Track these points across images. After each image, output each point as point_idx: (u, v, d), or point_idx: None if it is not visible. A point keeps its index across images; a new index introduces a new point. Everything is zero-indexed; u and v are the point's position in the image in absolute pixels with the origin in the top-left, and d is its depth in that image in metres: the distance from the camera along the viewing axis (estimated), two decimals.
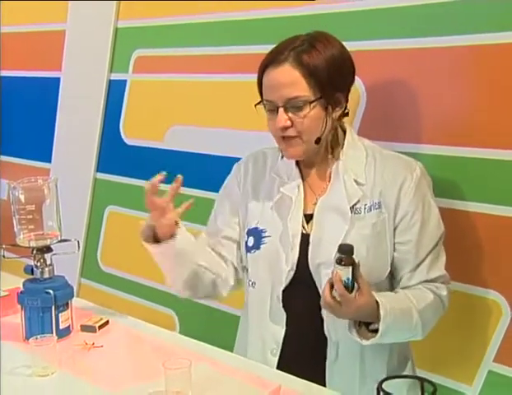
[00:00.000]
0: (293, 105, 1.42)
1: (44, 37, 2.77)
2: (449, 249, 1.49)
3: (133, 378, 1.39)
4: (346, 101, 1.48)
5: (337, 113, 1.47)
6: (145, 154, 2.41)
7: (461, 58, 1.57)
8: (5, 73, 3.01)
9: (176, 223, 1.53)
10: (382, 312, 1.35)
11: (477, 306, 1.59)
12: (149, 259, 2.46)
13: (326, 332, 1.45)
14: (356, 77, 1.71)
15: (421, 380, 1.09)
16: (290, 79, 1.41)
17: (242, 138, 2.02)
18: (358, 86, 1.74)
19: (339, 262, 1.31)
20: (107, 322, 1.61)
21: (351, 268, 1.31)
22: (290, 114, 1.42)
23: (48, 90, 2.76)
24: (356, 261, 1.32)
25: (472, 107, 1.57)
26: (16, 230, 1.55)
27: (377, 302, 1.36)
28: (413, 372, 1.56)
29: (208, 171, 2.17)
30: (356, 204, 1.45)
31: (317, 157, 1.50)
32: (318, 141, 1.46)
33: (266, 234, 1.51)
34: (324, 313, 1.44)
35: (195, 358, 1.28)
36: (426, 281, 1.46)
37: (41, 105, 2.83)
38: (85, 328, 1.58)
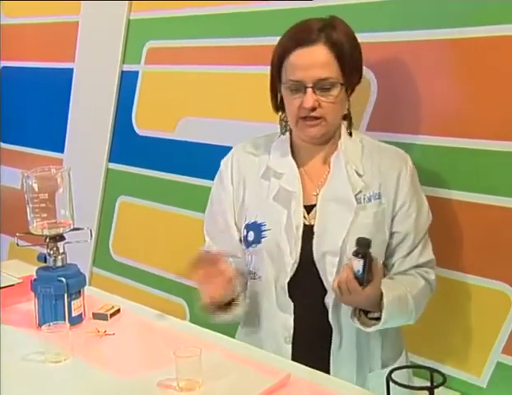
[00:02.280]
0: (322, 86, 1.43)
1: (58, 28, 2.78)
2: (456, 241, 1.50)
3: (144, 366, 1.40)
4: (357, 85, 1.51)
5: (351, 97, 1.50)
6: (156, 144, 2.43)
7: (471, 50, 1.56)
8: (19, 64, 3.04)
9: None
10: (385, 301, 1.38)
11: (486, 297, 1.59)
12: (160, 249, 2.49)
13: (330, 321, 1.46)
14: (367, 68, 1.72)
15: (431, 370, 1.09)
16: (323, 59, 1.43)
17: (253, 129, 2.02)
18: (369, 78, 1.74)
19: (355, 254, 1.34)
20: (118, 311, 1.63)
21: (362, 261, 1.33)
22: (317, 95, 1.43)
23: (62, 81, 2.77)
24: (373, 255, 1.35)
25: (485, 99, 1.56)
26: (29, 218, 1.57)
27: (381, 292, 1.39)
28: (407, 361, 1.57)
29: (219, 162, 2.18)
30: (357, 194, 1.46)
31: (327, 141, 1.51)
32: (345, 117, 1.50)
33: (265, 228, 1.51)
34: (328, 301, 1.45)
35: (205, 346, 1.29)
36: (417, 266, 1.51)
37: (54, 96, 2.85)
38: (97, 316, 1.59)
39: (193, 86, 2.28)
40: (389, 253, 1.51)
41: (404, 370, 1.26)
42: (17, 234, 1.61)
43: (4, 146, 3.20)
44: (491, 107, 1.55)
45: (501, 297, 1.56)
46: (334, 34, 1.44)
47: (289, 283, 1.48)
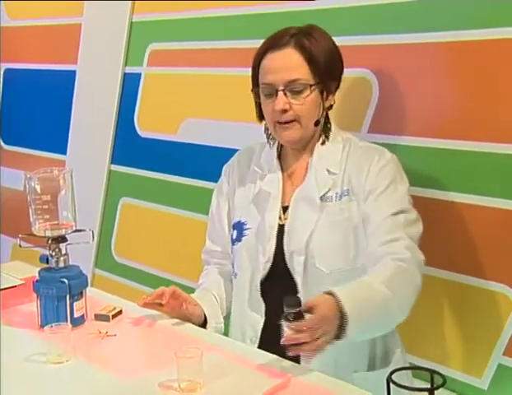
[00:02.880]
0: (293, 88, 1.46)
1: (61, 30, 2.79)
2: (457, 243, 1.49)
3: (146, 367, 1.41)
4: (335, 91, 1.53)
5: (329, 102, 1.52)
6: (159, 146, 2.43)
7: (472, 53, 1.56)
8: (22, 66, 3.05)
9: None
10: (341, 299, 1.24)
11: (487, 300, 1.59)
12: (161, 250, 2.49)
13: None
14: (369, 71, 1.73)
15: (431, 372, 1.09)
16: (292, 62, 1.46)
17: (255, 131, 2.02)
18: (371, 80, 1.74)
19: (286, 318, 1.21)
20: (120, 312, 1.63)
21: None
22: (289, 97, 1.46)
23: (64, 83, 2.78)
24: (302, 308, 1.22)
25: (486, 101, 1.56)
26: (31, 219, 1.57)
27: (338, 303, 1.25)
28: (404, 363, 1.53)
29: (222, 164, 2.18)
30: (327, 193, 1.48)
31: (306, 146, 1.53)
32: (317, 123, 1.50)
33: (246, 227, 1.56)
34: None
35: (207, 347, 1.29)
36: (386, 244, 1.40)
37: (57, 98, 2.86)
38: (99, 317, 1.60)
39: (195, 88, 2.29)
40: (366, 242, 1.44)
41: (403, 372, 1.25)
42: (20, 236, 1.61)
43: (7, 147, 3.21)
44: (492, 109, 1.55)
45: (502, 299, 1.56)
46: (305, 39, 1.47)
47: (264, 283, 1.50)
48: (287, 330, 1.21)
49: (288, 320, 1.21)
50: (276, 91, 1.46)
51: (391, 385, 1.07)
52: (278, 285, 1.49)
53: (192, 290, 1.68)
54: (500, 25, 1.49)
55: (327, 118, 1.55)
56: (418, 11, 1.65)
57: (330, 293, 1.25)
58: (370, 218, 1.44)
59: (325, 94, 1.50)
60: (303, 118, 1.48)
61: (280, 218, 1.52)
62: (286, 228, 1.50)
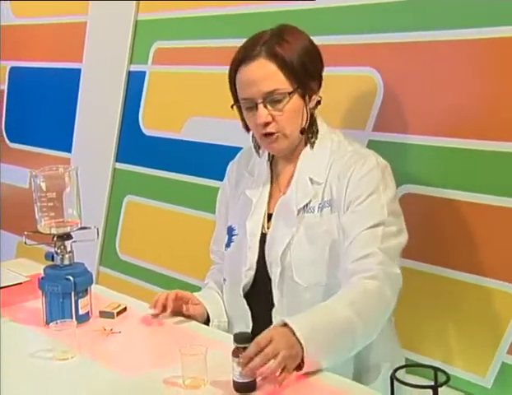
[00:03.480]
0: (272, 99, 1.41)
1: (66, 29, 2.80)
2: (460, 241, 1.49)
3: (150, 364, 1.41)
4: (319, 89, 1.48)
5: (313, 102, 1.47)
6: (163, 144, 2.44)
7: (476, 51, 1.57)
8: (27, 64, 3.05)
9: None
10: (294, 327, 1.21)
11: (491, 298, 1.59)
12: (166, 248, 2.50)
13: None
14: (373, 70, 1.73)
15: (435, 369, 1.09)
16: (266, 73, 1.41)
17: None
18: (375, 78, 1.74)
19: (237, 355, 1.20)
20: (125, 309, 1.64)
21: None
22: (270, 109, 1.42)
23: (69, 81, 2.79)
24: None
25: (492, 100, 1.56)
26: (37, 217, 1.58)
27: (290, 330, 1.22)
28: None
29: (225, 162, 2.18)
30: (308, 203, 1.44)
31: (294, 152, 1.49)
32: (303, 131, 1.46)
33: (235, 233, 1.56)
34: (273, 311, 1.44)
35: (211, 344, 1.29)
36: (357, 261, 1.35)
37: (62, 96, 2.86)
38: (103, 314, 1.60)
39: (200, 87, 2.29)
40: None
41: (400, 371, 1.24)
42: (25, 233, 1.62)
43: (12, 145, 3.22)
44: (497, 108, 1.55)
45: (506, 297, 1.56)
46: (276, 45, 1.42)
47: (250, 291, 1.50)
48: (237, 367, 1.18)
49: (238, 356, 1.20)
50: (256, 105, 1.42)
51: (395, 382, 1.08)
52: (261, 293, 1.48)
53: (195, 288, 1.69)
54: (508, 23, 1.48)
55: (313, 119, 1.49)
56: (423, 8, 1.65)
57: (284, 324, 1.23)
58: (346, 232, 1.39)
59: (307, 96, 1.45)
60: (286, 128, 1.44)
61: (264, 226, 1.50)
62: (267, 237, 1.48)
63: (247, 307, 1.51)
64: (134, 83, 2.51)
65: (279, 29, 1.46)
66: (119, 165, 2.62)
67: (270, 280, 1.47)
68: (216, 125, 2.23)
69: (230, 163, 1.68)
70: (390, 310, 1.39)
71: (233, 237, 1.56)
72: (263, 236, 1.49)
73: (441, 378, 1.07)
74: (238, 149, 1.74)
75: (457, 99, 1.62)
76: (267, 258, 1.48)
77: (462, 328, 1.66)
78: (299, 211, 1.45)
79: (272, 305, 1.46)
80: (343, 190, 1.42)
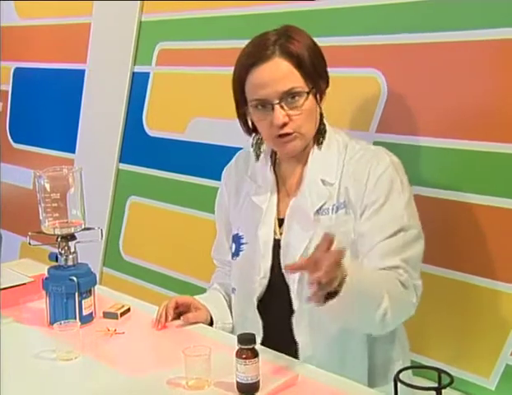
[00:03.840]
0: (289, 99, 1.38)
1: (70, 30, 2.81)
2: (465, 243, 1.48)
3: (154, 365, 1.41)
4: (326, 88, 1.46)
5: (323, 102, 1.46)
6: (167, 145, 2.44)
7: (480, 52, 1.56)
8: (31, 65, 3.06)
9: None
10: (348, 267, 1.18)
11: (495, 300, 1.59)
12: (169, 249, 2.50)
13: (296, 337, 1.42)
14: (377, 71, 1.72)
15: (438, 371, 1.09)
16: (282, 72, 1.38)
17: None
18: (379, 79, 1.74)
19: (240, 355, 1.21)
20: (128, 310, 1.64)
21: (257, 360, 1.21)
22: (286, 110, 1.39)
23: (74, 82, 2.79)
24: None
25: (496, 101, 1.56)
26: (41, 217, 1.58)
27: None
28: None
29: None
30: (323, 205, 1.41)
31: (301, 153, 1.46)
32: (318, 130, 1.44)
33: (243, 241, 1.51)
34: (293, 318, 1.42)
35: (215, 345, 1.29)
36: (383, 269, 1.35)
37: (66, 97, 2.87)
38: (107, 315, 1.61)
39: (204, 88, 2.29)
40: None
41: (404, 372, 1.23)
42: (29, 234, 1.62)
43: (16, 145, 3.22)
44: (502, 109, 1.54)
45: (510, 299, 1.56)
46: (289, 44, 1.39)
47: (262, 299, 1.47)
48: (240, 368, 1.20)
49: (241, 357, 1.20)
50: (272, 105, 1.38)
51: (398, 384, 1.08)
52: (275, 301, 1.45)
53: (199, 289, 1.69)
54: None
55: (322, 119, 1.48)
56: (427, 10, 1.65)
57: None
58: (365, 238, 1.37)
59: (318, 96, 1.44)
60: (303, 128, 1.41)
61: (275, 232, 1.46)
62: (281, 243, 1.45)
63: (259, 316, 1.47)
64: (138, 84, 2.52)
65: (284, 28, 1.43)
66: (123, 166, 2.63)
67: (287, 286, 1.43)
68: (220, 126, 2.23)
69: (225, 168, 1.64)
70: (409, 315, 1.38)
71: (242, 246, 1.51)
72: (276, 242, 1.46)
73: (445, 379, 1.07)
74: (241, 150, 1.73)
75: (461, 100, 1.62)
76: (282, 264, 1.43)
77: (466, 330, 1.65)
78: (314, 214, 1.42)
79: (289, 312, 1.43)
80: (361, 193, 1.39)
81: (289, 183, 1.50)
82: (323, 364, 1.36)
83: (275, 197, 1.49)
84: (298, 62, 1.39)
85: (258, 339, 1.44)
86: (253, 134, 1.52)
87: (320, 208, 1.42)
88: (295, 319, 1.43)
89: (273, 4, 2.00)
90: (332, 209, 1.41)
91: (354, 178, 1.41)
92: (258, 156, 1.53)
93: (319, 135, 1.47)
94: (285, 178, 1.51)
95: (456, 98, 1.63)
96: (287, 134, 1.41)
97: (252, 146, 1.54)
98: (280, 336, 1.44)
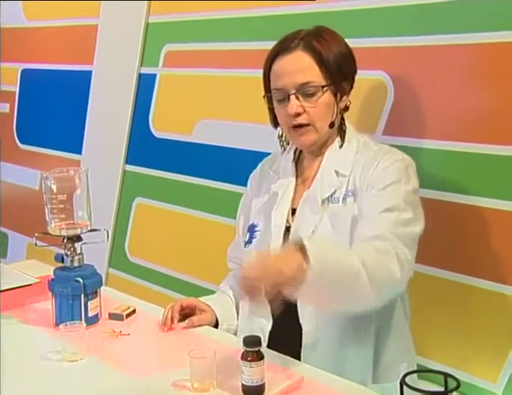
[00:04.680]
0: (305, 91, 1.44)
1: (77, 31, 2.81)
2: (472, 247, 1.47)
3: (159, 366, 1.41)
4: (350, 91, 1.50)
5: (344, 103, 1.49)
6: (173, 147, 2.44)
7: (488, 55, 1.56)
8: (38, 66, 3.07)
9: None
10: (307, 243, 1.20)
11: (502, 304, 1.58)
12: (175, 250, 2.50)
13: (300, 321, 1.44)
14: (384, 73, 1.72)
15: (445, 375, 1.09)
16: (302, 64, 1.44)
17: (270, 132, 2.03)
18: (385, 82, 1.74)
19: (246, 358, 1.20)
20: (134, 311, 1.64)
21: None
22: (301, 101, 1.44)
23: (80, 83, 2.80)
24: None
25: (504, 104, 1.55)
26: (47, 218, 1.58)
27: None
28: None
29: (236, 165, 2.19)
30: (333, 194, 1.45)
31: (321, 149, 1.51)
32: (332, 125, 1.48)
33: (257, 229, 1.55)
34: (298, 304, 1.42)
35: (220, 347, 1.29)
36: (370, 238, 1.34)
37: (73, 98, 2.88)
38: (113, 316, 1.61)
39: (210, 89, 2.29)
40: None
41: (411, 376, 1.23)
42: (36, 235, 1.62)
43: (23, 146, 3.23)
44: (509, 112, 1.54)
45: None
46: (314, 40, 1.45)
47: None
48: (246, 370, 1.19)
49: (247, 359, 1.20)
50: (288, 95, 1.44)
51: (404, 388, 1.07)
52: None
53: (205, 290, 1.69)
54: None
55: (342, 119, 1.52)
56: (435, 13, 1.64)
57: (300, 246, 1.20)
58: (362, 213, 1.40)
59: (339, 95, 1.48)
60: (317, 121, 1.46)
61: (288, 221, 1.50)
62: (291, 230, 1.49)
63: (266, 301, 1.48)
64: (145, 85, 2.52)
65: (316, 28, 1.49)
66: (129, 167, 2.63)
67: None
68: (227, 128, 2.23)
69: (252, 174, 1.67)
70: (396, 287, 1.35)
71: (255, 233, 1.55)
72: (287, 229, 1.49)
73: (451, 384, 1.07)
74: (248, 152, 1.74)
75: (468, 102, 1.62)
76: None
77: (472, 334, 1.64)
78: (323, 202, 1.46)
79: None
80: (367, 177, 1.42)
81: (306, 176, 1.54)
82: (326, 352, 1.39)
83: (292, 186, 1.53)
84: (320, 58, 1.44)
85: (268, 325, 1.47)
86: (279, 127, 1.56)
87: (330, 196, 1.46)
88: (300, 305, 1.44)
89: (279, 6, 2.00)
90: (343, 198, 1.45)
91: (362, 167, 1.45)
92: (284, 147, 1.58)
93: (340, 133, 1.51)
94: (304, 172, 1.55)
95: (463, 100, 1.62)
96: (301, 126, 1.46)
97: (278, 137, 1.59)
98: (288, 323, 1.45)
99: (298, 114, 1.45)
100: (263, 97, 1.53)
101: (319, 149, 1.52)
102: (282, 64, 1.46)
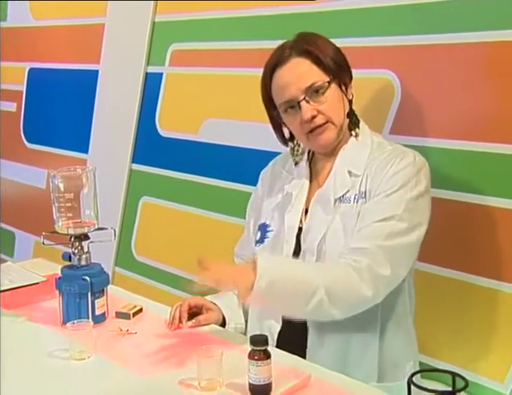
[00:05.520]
0: (313, 93, 1.44)
1: (84, 31, 2.82)
2: (479, 246, 1.47)
3: (166, 365, 1.41)
4: (351, 82, 1.51)
5: (349, 94, 1.50)
6: (180, 146, 2.44)
7: (496, 53, 1.55)
8: (45, 66, 3.08)
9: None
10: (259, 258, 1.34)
11: (510, 303, 1.58)
12: (182, 249, 2.50)
13: (307, 321, 1.45)
14: (391, 72, 1.72)
15: (453, 375, 1.08)
16: (301, 69, 1.45)
17: None
18: (392, 81, 1.73)
19: (253, 357, 1.21)
20: (141, 310, 1.64)
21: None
22: (312, 104, 1.45)
23: (87, 82, 2.81)
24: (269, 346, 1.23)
25: (511, 103, 1.55)
26: (54, 217, 1.59)
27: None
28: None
29: (242, 164, 2.19)
30: (345, 194, 1.46)
31: (335, 149, 1.51)
32: (348, 115, 1.49)
33: (270, 229, 1.55)
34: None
35: (227, 346, 1.30)
36: (349, 250, 1.40)
37: (79, 97, 2.88)
38: (119, 315, 1.61)
39: (217, 88, 2.29)
40: None
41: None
42: (43, 234, 1.63)
43: (30, 145, 3.24)
44: None
45: None
46: (304, 44, 1.46)
47: None
48: (253, 369, 1.20)
49: (254, 358, 1.21)
50: (298, 103, 1.45)
51: (412, 387, 1.07)
52: None
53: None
54: None
55: (353, 112, 1.52)
56: (442, 11, 1.64)
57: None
58: (360, 219, 1.42)
59: (343, 87, 1.49)
60: (333, 116, 1.46)
61: (301, 221, 1.50)
62: (303, 230, 1.49)
63: None
64: (151, 84, 2.52)
65: (301, 35, 1.50)
66: (136, 166, 2.63)
67: None
68: (233, 127, 2.23)
69: (262, 172, 1.68)
70: (367, 303, 1.39)
71: (267, 233, 1.55)
72: (300, 230, 1.50)
73: (459, 383, 1.06)
74: (255, 151, 1.74)
75: (476, 102, 1.61)
76: (302, 247, 1.47)
77: (480, 333, 1.64)
78: (335, 201, 1.46)
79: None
80: (378, 181, 1.43)
81: (320, 177, 1.54)
82: (331, 352, 1.40)
83: (306, 187, 1.53)
84: (316, 58, 1.45)
85: (278, 326, 1.48)
86: (290, 144, 1.57)
87: (342, 196, 1.46)
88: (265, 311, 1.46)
89: (285, 6, 2.00)
90: (355, 198, 1.45)
91: (376, 170, 1.45)
92: (296, 163, 1.58)
93: (352, 126, 1.51)
94: (318, 172, 1.55)
95: (471, 99, 1.62)
96: (319, 126, 1.46)
97: (290, 151, 1.59)
98: (295, 324, 1.45)
99: (313, 117, 1.45)
100: (269, 117, 1.53)
101: (333, 149, 1.51)
102: (283, 75, 1.46)
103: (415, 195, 1.42)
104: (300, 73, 1.45)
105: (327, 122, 1.46)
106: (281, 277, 1.34)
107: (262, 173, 1.68)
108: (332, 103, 1.46)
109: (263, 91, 1.52)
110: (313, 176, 1.55)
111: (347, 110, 1.50)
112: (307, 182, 1.54)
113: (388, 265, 1.38)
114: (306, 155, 1.58)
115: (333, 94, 1.46)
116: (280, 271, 1.35)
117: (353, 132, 1.52)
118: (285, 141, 1.58)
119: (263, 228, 1.57)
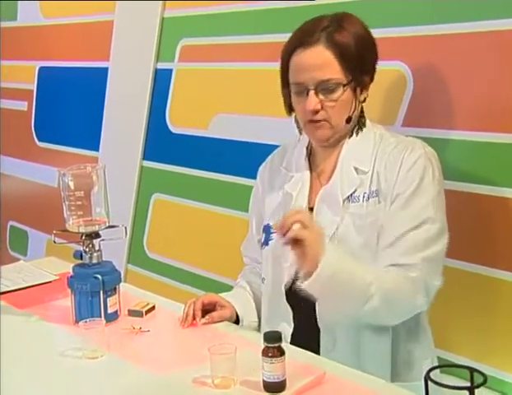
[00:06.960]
0: (325, 88, 1.40)
1: (93, 28, 2.82)
2: (496, 238, 1.45)
3: (179, 363, 1.40)
4: (370, 83, 1.47)
5: (363, 96, 1.46)
6: (190, 142, 2.44)
7: (508, 42, 1.53)
8: (55, 64, 3.08)
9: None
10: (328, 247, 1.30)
11: None
12: (194, 246, 2.50)
13: (318, 323, 1.42)
14: (402, 63, 1.69)
15: (471, 370, 1.07)
16: (323, 60, 1.40)
17: (286, 126, 2.01)
18: (404, 72, 1.71)
19: (267, 354, 1.20)
20: (153, 308, 1.64)
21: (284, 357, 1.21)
22: (320, 98, 1.41)
23: (97, 79, 2.81)
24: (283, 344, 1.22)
25: None
26: (65, 215, 1.58)
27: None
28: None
29: (253, 159, 2.16)
30: (353, 193, 1.42)
31: (337, 143, 1.47)
32: (348, 120, 1.45)
33: (273, 230, 1.50)
34: (317, 305, 1.41)
35: (240, 343, 1.29)
36: (397, 265, 1.37)
37: (90, 95, 2.89)
38: (132, 313, 1.60)
39: (227, 84, 2.28)
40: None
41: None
42: (54, 232, 1.62)
43: (41, 144, 3.25)
44: None
45: None
46: (337, 33, 1.40)
47: (291, 288, 1.45)
48: (267, 367, 1.20)
49: (267, 355, 1.20)
50: (308, 90, 1.41)
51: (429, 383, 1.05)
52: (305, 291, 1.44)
53: (224, 286, 1.68)
54: None
55: (361, 112, 1.49)
56: (452, 1, 1.61)
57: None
58: (387, 228, 1.38)
59: (358, 90, 1.44)
60: (333, 118, 1.43)
61: None
62: None
63: (288, 306, 1.47)
64: (161, 81, 2.51)
65: (338, 17, 1.44)
66: (147, 163, 2.63)
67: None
68: (243, 122, 2.22)
69: (261, 166, 1.65)
70: (416, 310, 1.41)
71: (271, 235, 1.52)
72: None
73: (477, 378, 1.05)
74: (265, 146, 1.73)
75: (489, 92, 1.59)
76: None
77: (497, 327, 1.62)
78: (344, 201, 1.42)
79: (308, 298, 1.40)
80: (392, 182, 1.40)
81: (322, 172, 1.51)
82: (344, 352, 1.38)
83: (307, 185, 1.50)
84: (341, 53, 1.40)
85: (290, 329, 1.46)
86: (293, 113, 1.53)
87: (351, 195, 1.43)
88: (318, 307, 1.42)
89: None
90: (364, 197, 1.41)
91: (387, 167, 1.42)
92: (300, 132, 1.54)
93: (357, 125, 1.48)
94: (319, 168, 1.52)
95: (485, 90, 1.59)
96: (316, 121, 1.43)
97: (294, 121, 1.55)
98: (308, 326, 1.44)
99: (316, 111, 1.42)
100: (282, 84, 1.50)
101: (334, 143, 1.48)
102: (302, 58, 1.41)
103: (437, 190, 1.40)
104: (319, 64, 1.40)
105: (324, 120, 1.43)
106: (344, 273, 1.31)
107: (260, 169, 1.64)
108: (339, 105, 1.42)
109: (283, 59, 1.47)
110: (313, 169, 1.52)
111: (352, 113, 1.44)
112: (308, 180, 1.50)
113: (439, 274, 1.39)
114: (305, 150, 1.54)
115: (345, 97, 1.41)
116: (345, 265, 1.32)
117: (356, 130, 1.48)
118: (289, 110, 1.52)
119: (267, 230, 1.54)
